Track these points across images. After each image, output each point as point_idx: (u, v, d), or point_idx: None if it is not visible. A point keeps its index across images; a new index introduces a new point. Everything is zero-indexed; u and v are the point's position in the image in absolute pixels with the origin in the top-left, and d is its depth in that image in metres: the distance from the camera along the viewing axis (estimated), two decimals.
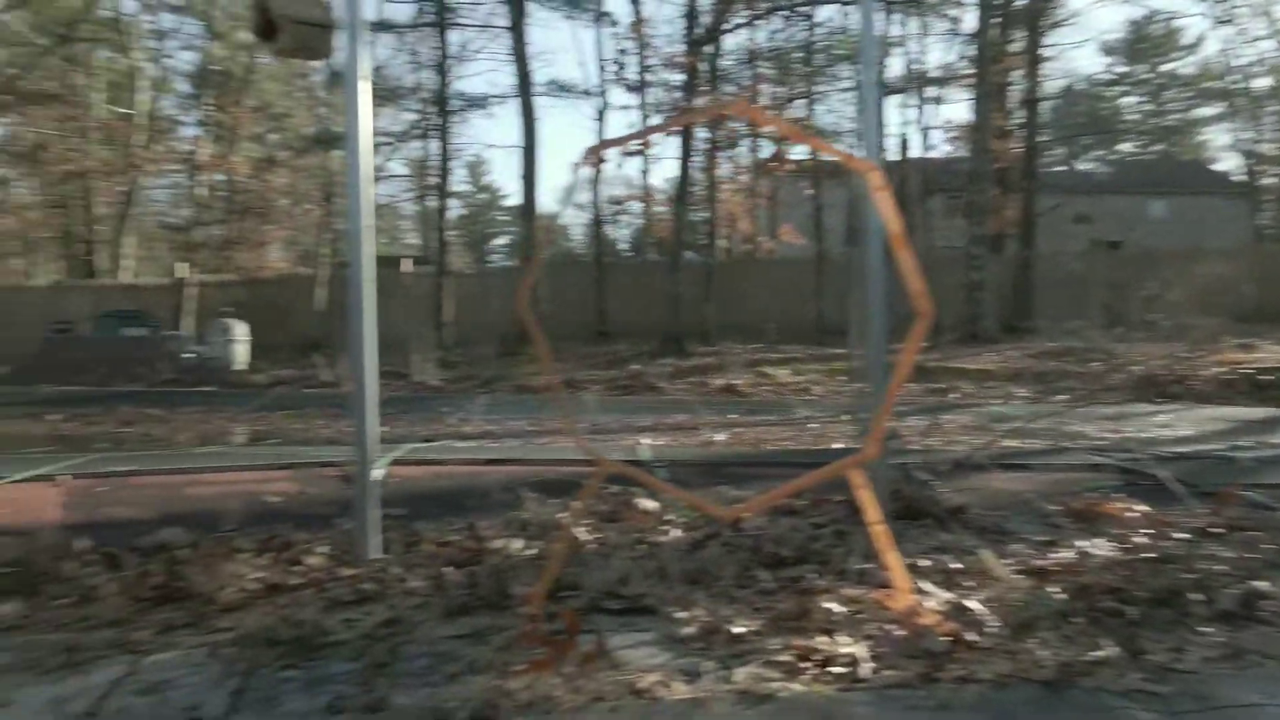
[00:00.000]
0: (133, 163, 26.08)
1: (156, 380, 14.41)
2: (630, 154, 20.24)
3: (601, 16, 24.67)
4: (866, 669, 1.80)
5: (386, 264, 29.01)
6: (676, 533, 3.05)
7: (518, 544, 2.86)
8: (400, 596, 2.27)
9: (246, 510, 3.62)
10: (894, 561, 2.16)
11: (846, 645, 1.92)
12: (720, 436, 7.92)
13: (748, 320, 23.20)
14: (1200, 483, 4.18)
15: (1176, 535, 3.09)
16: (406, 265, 25.91)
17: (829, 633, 2.03)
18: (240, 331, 17.75)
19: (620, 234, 49.66)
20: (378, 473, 4.49)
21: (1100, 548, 2.80)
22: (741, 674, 1.79)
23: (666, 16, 47.50)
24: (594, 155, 2.50)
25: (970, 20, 22.84)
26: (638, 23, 23.27)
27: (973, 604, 2.18)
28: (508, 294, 21.81)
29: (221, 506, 3.55)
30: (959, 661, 1.83)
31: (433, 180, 24.22)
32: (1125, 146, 55.65)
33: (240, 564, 2.48)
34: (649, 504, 3.36)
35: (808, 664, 1.84)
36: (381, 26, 25.55)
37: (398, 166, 40.82)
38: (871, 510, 2.20)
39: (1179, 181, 42.25)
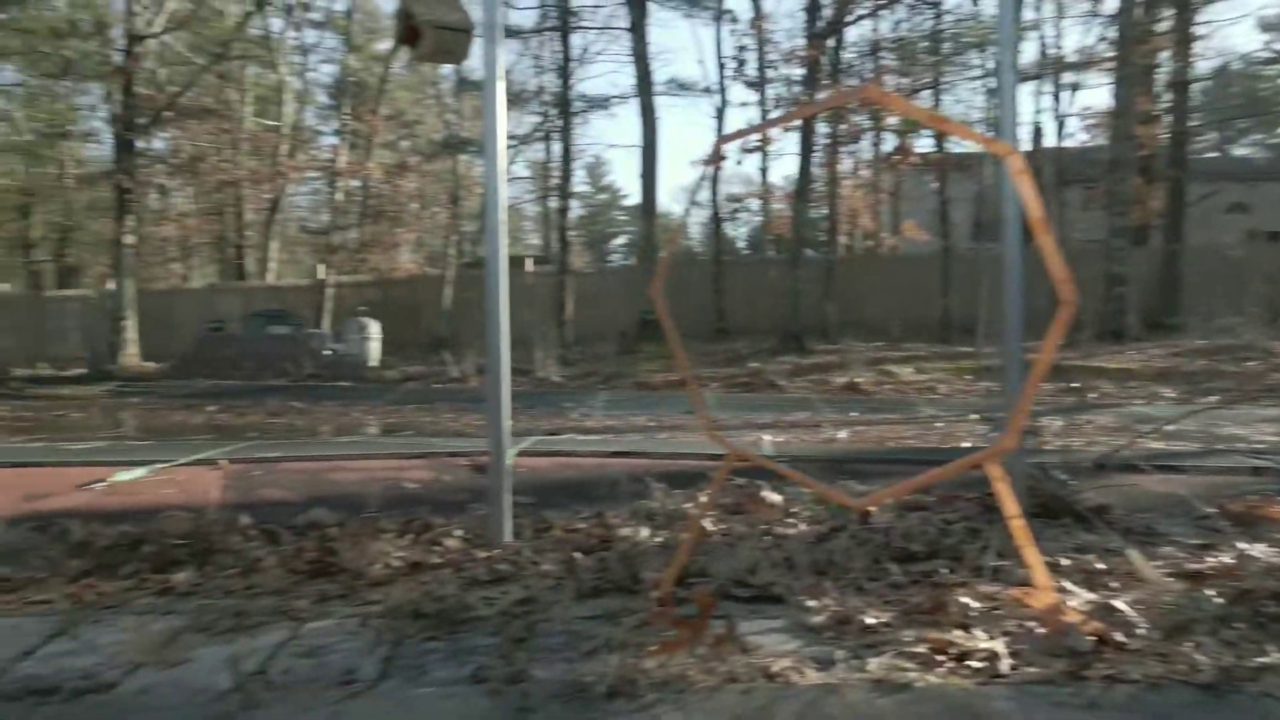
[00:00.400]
0: (278, 172, 27.69)
1: (299, 376, 15.28)
2: (750, 150, 20.09)
3: (722, 14, 24.65)
4: (1006, 665, 1.75)
5: (510, 264, 29.85)
6: (802, 526, 3.03)
7: (645, 532, 2.90)
8: (534, 578, 2.35)
9: (386, 494, 3.81)
10: (1034, 557, 2.09)
11: (984, 641, 1.87)
12: (842, 434, 7.79)
13: (869, 318, 22.70)
14: None
15: None
16: (529, 265, 26.60)
17: (965, 627, 1.98)
18: (374, 330, 18.60)
19: (739, 232, 49.45)
20: (507, 462, 4.65)
21: (1261, 552, 2.62)
22: (875, 664, 1.77)
23: (787, 10, 46.96)
24: (719, 150, 2.52)
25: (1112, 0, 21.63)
26: (757, 18, 23.10)
27: (1120, 604, 2.08)
28: (626, 293, 22.09)
29: (363, 490, 3.75)
30: (1106, 661, 1.76)
31: (554, 181, 24.75)
32: None
33: (385, 543, 2.62)
34: (774, 497, 3.35)
35: (944, 657, 1.80)
36: (506, 32, 26.30)
37: (521, 169, 41.89)
38: (1009, 504, 2.13)
39: None
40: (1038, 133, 27.10)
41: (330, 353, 17.91)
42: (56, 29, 21.47)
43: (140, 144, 23.15)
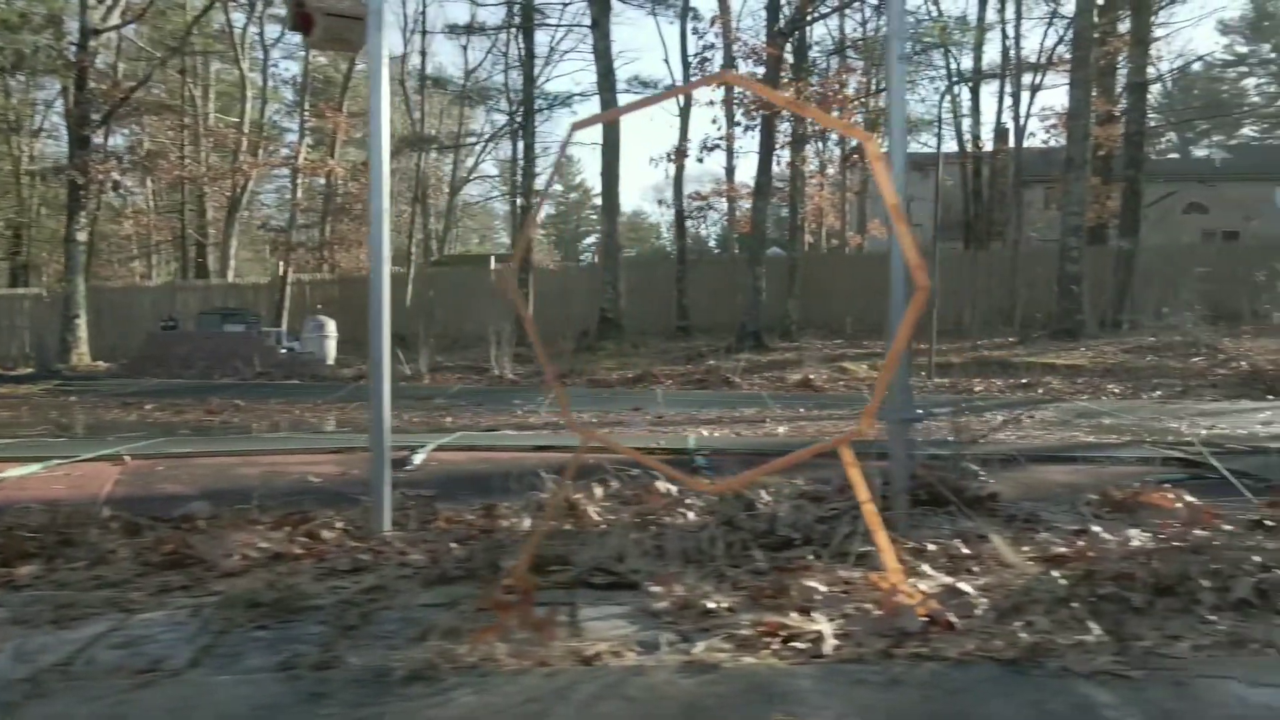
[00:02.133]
0: (237, 169, 27.36)
1: (251, 374, 15.09)
2: (710, 148, 20.13)
3: (686, 11, 24.70)
4: (829, 646, 1.75)
5: (474, 262, 29.72)
6: (691, 515, 3.02)
7: (528, 522, 2.88)
8: (394, 567, 2.32)
9: (287, 488, 3.76)
10: (883, 541, 2.10)
11: (817, 623, 1.87)
12: (783, 429, 7.82)
13: (832, 316, 22.84)
14: (1275, 478, 3.93)
15: (1223, 527, 2.91)
16: (492, 263, 26.48)
17: (806, 610, 1.97)
18: (331, 328, 18.44)
19: (711, 231, 49.56)
20: (418, 456, 4.60)
21: (1133, 538, 2.65)
22: (701, 646, 1.76)
23: (751, 9, 47.12)
24: (570, 136, 2.50)
25: (1071, 1, 21.88)
26: (721, 15, 23.16)
27: (965, 586, 2.10)
28: (591, 291, 22.05)
29: (265, 484, 3.69)
30: (930, 641, 1.76)
31: (517, 179, 24.67)
32: (1247, 131, 52.48)
33: (254, 534, 2.58)
34: (668, 487, 3.35)
35: (772, 639, 1.80)
36: (468, 29, 26.19)
37: (490, 167, 41.65)
38: (861, 489, 2.14)
39: None
40: (1001, 133, 27.40)
41: (286, 351, 17.73)
42: (8, 22, 21.05)
43: (97, 140, 22.81)
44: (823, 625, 1.84)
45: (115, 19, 22.92)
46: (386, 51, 2.95)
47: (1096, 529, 2.50)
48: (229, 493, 3.50)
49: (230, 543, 2.40)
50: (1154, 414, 9.64)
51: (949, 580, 2.24)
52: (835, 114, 22.56)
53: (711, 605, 1.96)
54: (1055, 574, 2.18)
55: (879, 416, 3.09)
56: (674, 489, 3.44)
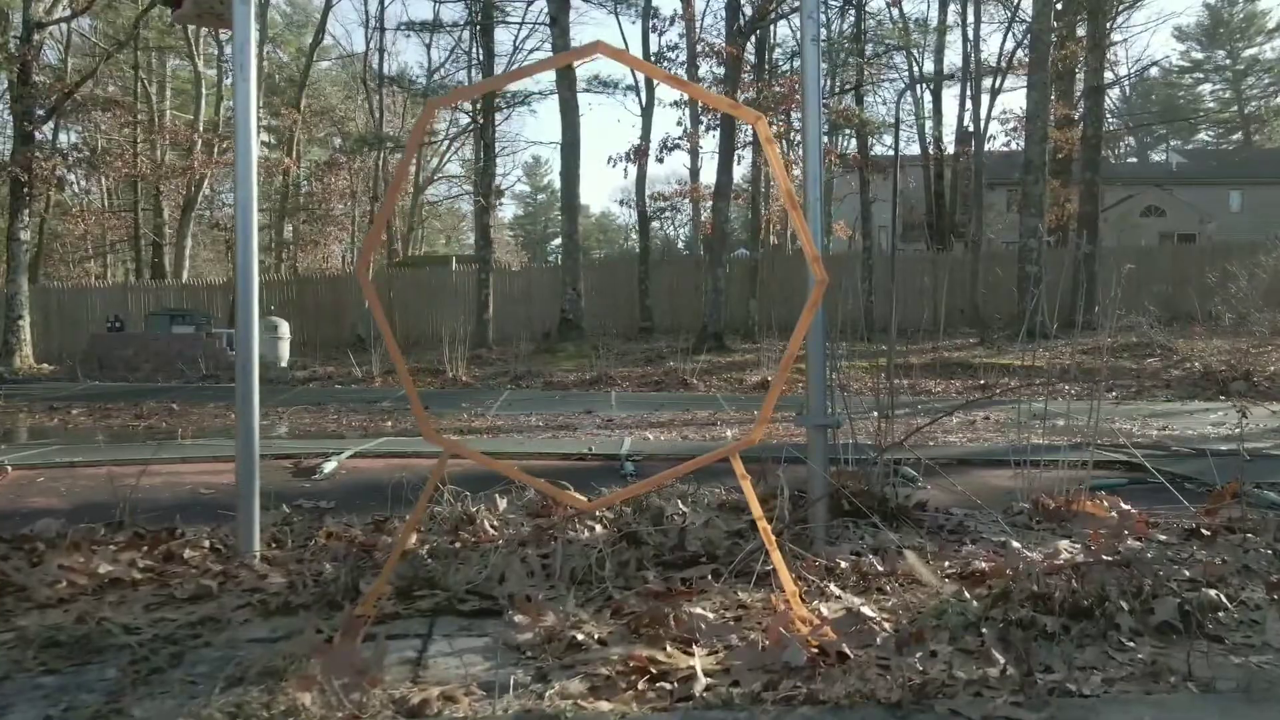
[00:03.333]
0: (193, 166, 26.75)
1: (197, 377, 14.65)
2: (670, 148, 19.95)
3: (647, 10, 24.52)
4: (700, 686, 1.54)
5: (435, 262, 29.31)
6: (599, 529, 2.80)
7: (413, 538, 2.64)
8: (239, 594, 2.08)
9: (171, 501, 3.49)
10: (778, 560, 1.89)
11: (692, 658, 1.65)
12: (731, 432, 7.63)
13: (793, 316, 22.68)
14: (1217, 481, 3.79)
15: (1160, 537, 2.75)
16: (454, 264, 26.12)
17: (687, 642, 1.76)
18: (284, 329, 17.99)
19: (678, 231, 49.43)
20: (330, 464, 4.35)
21: (1062, 550, 2.47)
22: (555, 689, 1.54)
23: (714, 8, 47.10)
24: (431, 113, 2.27)
25: (1029, 5, 21.99)
26: (683, 14, 23.01)
27: (868, 610, 1.90)
28: (553, 291, 21.77)
29: (152, 497, 3.43)
30: (817, 677, 1.56)
31: (474, 179, 24.33)
32: (1203, 136, 53.39)
33: (98, 557, 2.32)
34: (577, 498, 3.13)
35: (639, 678, 1.59)
36: (431, 27, 25.78)
37: (455, 167, 41.21)
38: (754, 504, 1.93)
39: (1260, 172, 40.28)
40: (964, 135, 27.51)
41: (235, 352, 17.27)
42: None
43: (45, 136, 22.18)
44: (696, 661, 1.63)
45: (60, 12, 22.31)
46: (254, 27, 2.70)
47: (1016, 545, 2.32)
48: (103, 507, 3.23)
49: (56, 569, 2.14)
50: (1108, 415, 9.59)
51: (856, 601, 2.04)
52: (797, 116, 22.52)
53: (580, 637, 1.74)
54: (969, 595, 1.99)
55: (799, 422, 2.89)
56: (583, 500, 3.23)
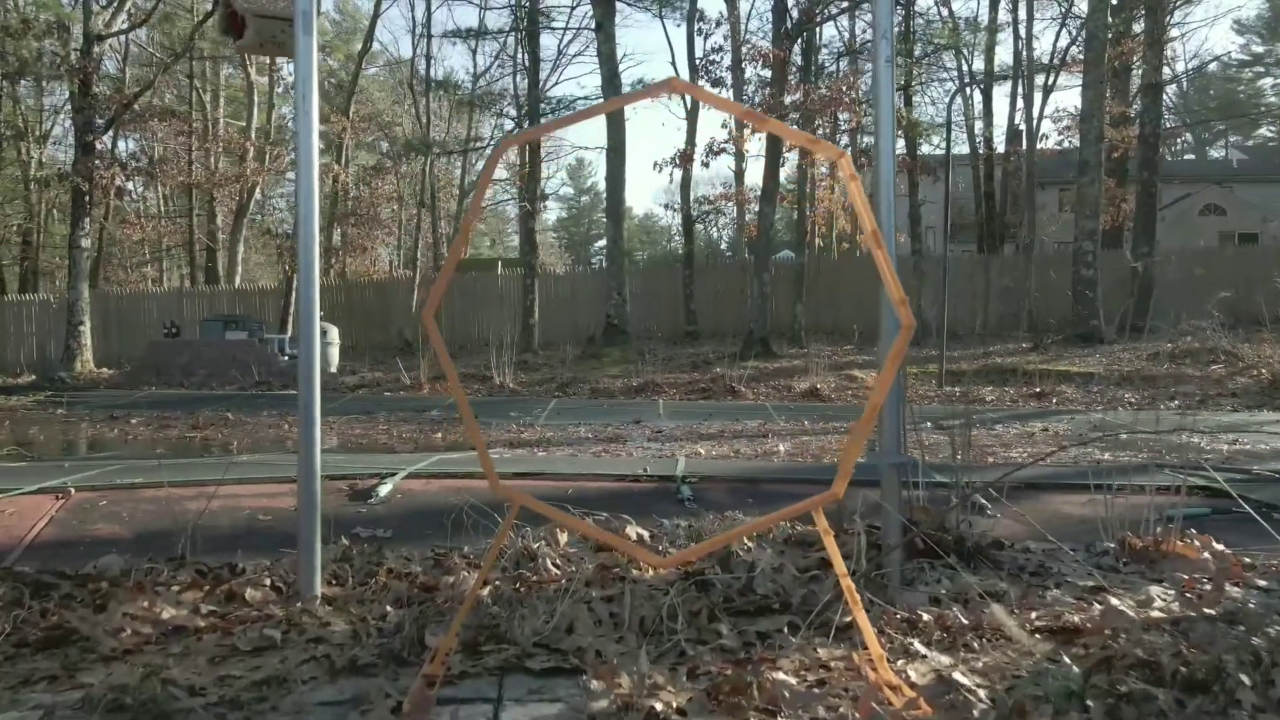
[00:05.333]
0: (246, 173, 27.24)
1: (250, 383, 14.88)
2: (715, 151, 19.83)
3: (693, 14, 24.41)
4: None
5: (481, 266, 29.50)
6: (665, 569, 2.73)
7: (472, 578, 2.59)
8: (303, 646, 2.03)
9: (230, 529, 3.49)
10: (864, 623, 1.80)
11: None
12: (784, 447, 7.51)
13: (840, 321, 22.49)
14: None
15: (1259, 582, 2.59)
16: (500, 269, 26.25)
17: (770, 713, 1.68)
18: (333, 335, 18.22)
19: (721, 234, 49.22)
20: (385, 487, 4.32)
21: (1155, 598, 2.34)
22: None
23: (759, 10, 46.80)
24: (505, 147, 2.21)
25: (1084, 2, 21.46)
26: (728, 16, 22.86)
27: (962, 677, 1.79)
28: (598, 295, 21.76)
29: (206, 523, 3.42)
30: None
31: (521, 184, 24.42)
32: (1264, 131, 51.76)
33: (161, 599, 2.29)
34: (639, 531, 3.05)
35: None
36: (473, 33, 25.97)
37: (501, 171, 41.52)
38: (837, 561, 1.84)
39: None
40: (1014, 135, 26.96)
41: (288, 358, 17.50)
42: (10, 28, 20.97)
43: (105, 146, 22.70)
44: None
45: (119, 25, 22.85)
46: (315, 56, 2.67)
47: (1115, 602, 2.19)
48: (164, 535, 3.23)
49: (120, 617, 2.11)
50: (1173, 427, 9.28)
51: (945, 662, 1.93)
52: (844, 118, 22.25)
53: (659, 707, 1.66)
54: (1067, 659, 1.87)
55: (872, 459, 2.78)
56: (643, 533, 3.15)
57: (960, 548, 2.76)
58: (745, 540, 3.02)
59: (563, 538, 2.99)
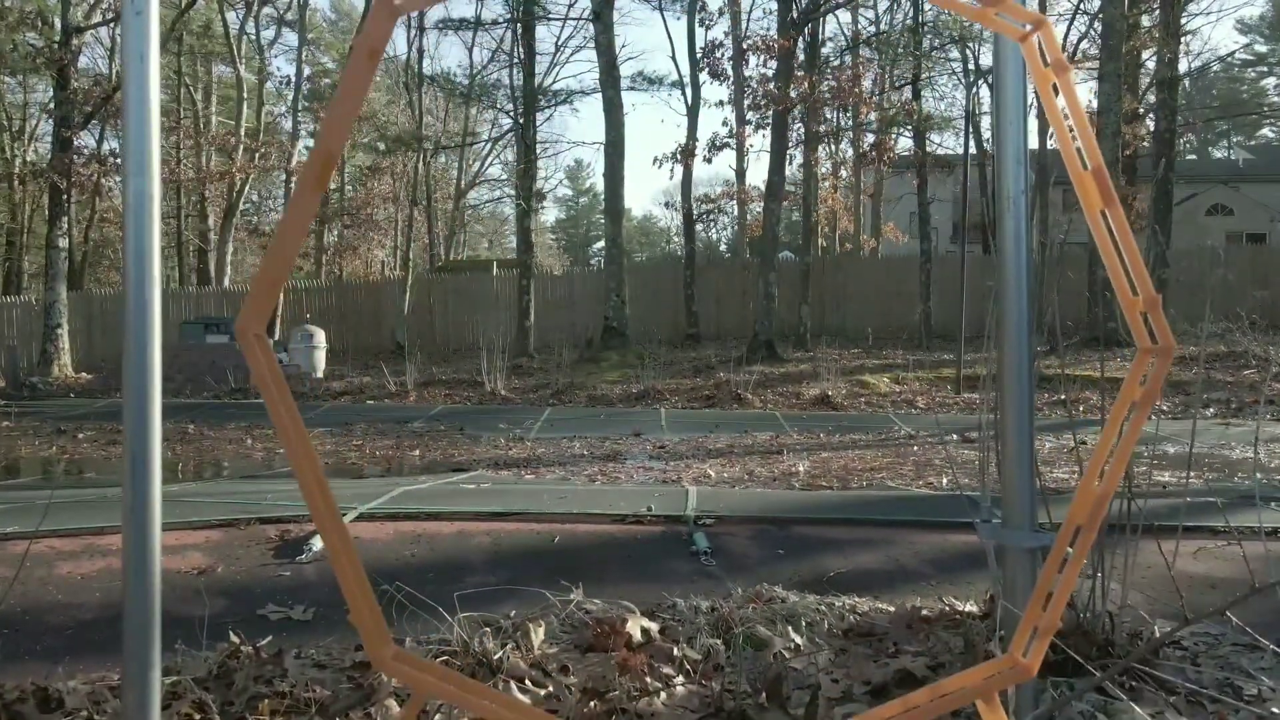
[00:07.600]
0: (234, 171, 26.42)
1: (225, 390, 14.04)
2: (718, 147, 19.04)
3: (694, 4, 23.63)
4: None
5: (477, 267, 28.62)
6: (679, 688, 1.90)
7: (396, 708, 1.76)
8: None
9: (100, 603, 2.66)
10: None
11: None
12: (803, 466, 6.68)
13: (847, 322, 21.68)
14: None
15: None
16: (495, 270, 25.40)
17: None
18: (320, 338, 17.36)
19: (720, 235, 48.47)
20: (318, 540, 3.48)
21: None
22: None
23: (760, 1, 46.02)
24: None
25: None
26: (731, 7, 22.08)
27: None
28: (596, 297, 20.91)
29: (71, 599, 2.59)
30: None
31: (516, 182, 23.61)
32: (1267, 131, 51.10)
33: None
34: (644, 624, 2.22)
35: None
36: (470, 24, 25.15)
37: (497, 170, 40.66)
38: None
39: None
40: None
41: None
42: None
43: (80, 141, 21.85)
44: None
45: (99, 17, 22.01)
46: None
47: None
48: (20, 613, 2.41)
49: None
50: (1219, 440, 8.50)
51: None
52: (847, 111, 21.46)
53: None
54: None
55: (989, 534, 1.95)
56: (651, 625, 2.31)
57: (1106, 654, 1.93)
58: (792, 633, 2.21)
59: (538, 633, 2.16)
